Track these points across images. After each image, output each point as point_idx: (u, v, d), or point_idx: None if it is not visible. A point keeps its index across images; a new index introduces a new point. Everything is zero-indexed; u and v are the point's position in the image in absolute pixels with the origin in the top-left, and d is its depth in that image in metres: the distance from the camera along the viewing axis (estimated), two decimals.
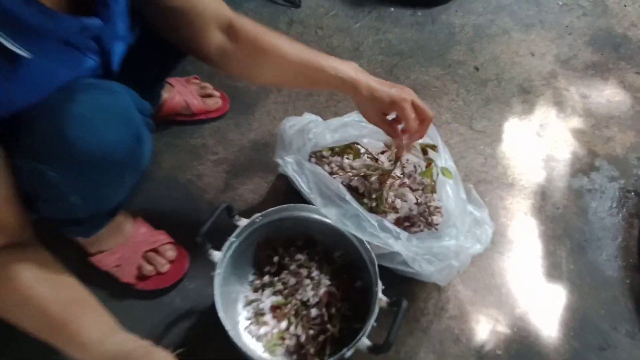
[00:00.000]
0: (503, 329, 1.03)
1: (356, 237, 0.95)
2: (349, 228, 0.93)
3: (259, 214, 0.96)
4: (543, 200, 1.21)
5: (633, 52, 1.52)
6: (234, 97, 1.33)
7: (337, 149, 1.10)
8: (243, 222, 0.96)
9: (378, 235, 0.89)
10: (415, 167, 1.06)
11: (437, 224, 1.00)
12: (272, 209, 0.97)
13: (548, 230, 1.16)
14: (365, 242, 0.94)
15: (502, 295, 1.07)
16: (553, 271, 1.10)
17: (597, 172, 1.26)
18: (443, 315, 1.04)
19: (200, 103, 1.26)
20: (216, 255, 0.92)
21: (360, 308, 0.97)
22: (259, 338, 0.98)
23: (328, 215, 0.94)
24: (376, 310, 0.88)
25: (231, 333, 0.85)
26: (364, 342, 0.85)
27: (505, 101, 1.38)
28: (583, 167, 1.27)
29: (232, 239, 0.94)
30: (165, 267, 1.03)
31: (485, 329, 1.02)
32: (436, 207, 1.01)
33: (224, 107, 1.30)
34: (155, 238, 1.05)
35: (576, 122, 1.35)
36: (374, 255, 0.92)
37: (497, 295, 1.07)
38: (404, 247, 0.88)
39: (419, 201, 1.02)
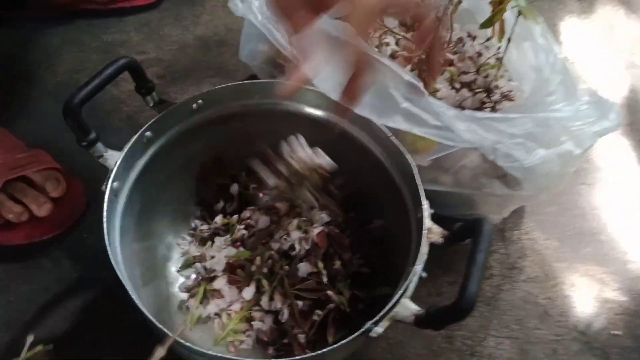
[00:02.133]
0: (614, 295, 0.64)
1: (375, 135, 0.53)
2: (363, 110, 0.51)
3: (198, 94, 0.53)
4: (632, 115, 0.84)
5: None
6: None
7: None
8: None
9: (422, 116, 0.47)
10: (463, 38, 0.65)
11: None
12: (226, 85, 0.54)
13: None
14: (392, 138, 0.52)
15: (603, 245, 0.68)
16: None
17: None
18: (517, 278, 0.64)
19: None
20: (111, 156, 0.48)
21: (384, 262, 0.55)
22: (204, 322, 0.54)
23: (324, 89, 0.52)
24: (425, 249, 0.46)
25: (150, 316, 0.42)
26: (407, 306, 0.43)
27: None
28: None
29: (146, 132, 0.51)
30: (44, 208, 0.60)
31: (586, 296, 0.64)
32: (505, 93, 0.60)
33: None
34: (28, 160, 0.61)
35: None
36: (410, 160, 0.50)
37: (595, 246, 0.68)
38: (479, 126, 0.46)
39: (474, 87, 0.61)
